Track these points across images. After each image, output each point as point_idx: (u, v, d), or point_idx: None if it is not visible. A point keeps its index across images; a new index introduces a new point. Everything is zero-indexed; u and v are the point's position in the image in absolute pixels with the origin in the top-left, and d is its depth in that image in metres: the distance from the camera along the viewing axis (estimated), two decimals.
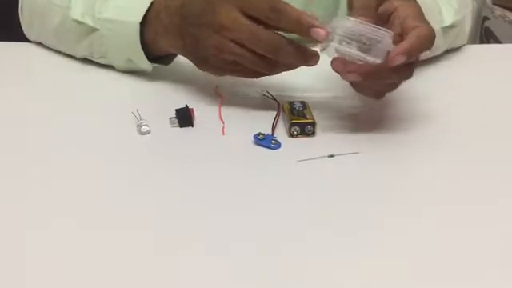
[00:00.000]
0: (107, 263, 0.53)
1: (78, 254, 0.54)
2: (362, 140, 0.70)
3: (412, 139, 0.71)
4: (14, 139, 0.69)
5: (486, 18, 1.79)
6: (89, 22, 0.79)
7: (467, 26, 0.91)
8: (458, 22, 0.86)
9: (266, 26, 0.67)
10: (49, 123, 0.72)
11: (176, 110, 0.71)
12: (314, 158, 0.66)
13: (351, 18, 0.67)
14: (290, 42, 0.68)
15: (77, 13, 0.80)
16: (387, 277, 0.53)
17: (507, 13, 1.74)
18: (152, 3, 0.75)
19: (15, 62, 0.87)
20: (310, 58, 0.69)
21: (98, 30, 0.78)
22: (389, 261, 0.54)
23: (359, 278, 0.52)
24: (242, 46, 0.68)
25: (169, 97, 0.75)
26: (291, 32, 0.68)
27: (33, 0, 0.86)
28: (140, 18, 0.75)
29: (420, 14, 0.70)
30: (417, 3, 0.71)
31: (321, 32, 0.66)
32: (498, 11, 1.76)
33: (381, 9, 0.70)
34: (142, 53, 0.77)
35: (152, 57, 0.78)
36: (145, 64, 0.78)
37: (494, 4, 1.78)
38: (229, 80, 0.72)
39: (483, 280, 0.53)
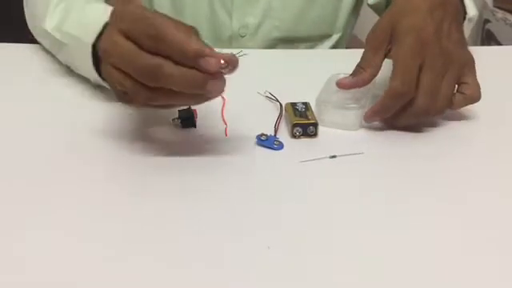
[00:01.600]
0: (107, 262, 0.53)
1: (77, 252, 0.54)
2: (364, 141, 0.70)
3: (413, 140, 0.71)
4: (13, 139, 0.70)
5: (487, 21, 1.79)
6: (57, 35, 0.78)
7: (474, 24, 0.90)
8: (475, 16, 0.83)
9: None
10: (49, 123, 0.73)
11: (179, 110, 0.71)
12: (317, 159, 0.67)
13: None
14: (176, 66, 0.58)
15: (50, 24, 0.79)
16: (388, 277, 0.53)
17: (508, 15, 1.75)
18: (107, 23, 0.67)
19: (14, 63, 0.87)
20: (203, 66, 0.57)
21: (66, 44, 0.77)
22: (389, 260, 0.54)
23: (360, 278, 0.52)
24: (121, 71, 0.60)
25: None
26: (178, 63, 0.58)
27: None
28: (92, 40, 0.70)
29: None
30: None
31: (211, 62, 0.57)
32: (500, 14, 1.77)
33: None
34: (97, 74, 0.72)
35: None
36: (103, 83, 0.72)
37: (495, 7, 1.79)
38: (231, 81, 0.72)
39: (485, 281, 0.53)
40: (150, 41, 0.58)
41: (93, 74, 0.73)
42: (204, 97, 0.60)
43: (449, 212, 0.60)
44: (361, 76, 0.71)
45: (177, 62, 0.58)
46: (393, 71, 0.69)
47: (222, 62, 0.58)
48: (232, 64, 0.59)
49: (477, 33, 1.75)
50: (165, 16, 0.59)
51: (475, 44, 0.93)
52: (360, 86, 0.72)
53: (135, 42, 0.59)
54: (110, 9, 0.64)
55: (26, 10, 0.90)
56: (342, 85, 0.72)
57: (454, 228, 0.58)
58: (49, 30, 0.79)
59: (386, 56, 0.71)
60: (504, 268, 0.54)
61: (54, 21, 0.79)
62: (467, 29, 0.81)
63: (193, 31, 0.59)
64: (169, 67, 0.58)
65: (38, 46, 0.88)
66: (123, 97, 0.62)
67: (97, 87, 0.77)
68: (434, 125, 0.74)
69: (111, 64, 0.61)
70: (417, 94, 0.69)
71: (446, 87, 0.70)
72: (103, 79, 0.70)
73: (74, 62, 0.79)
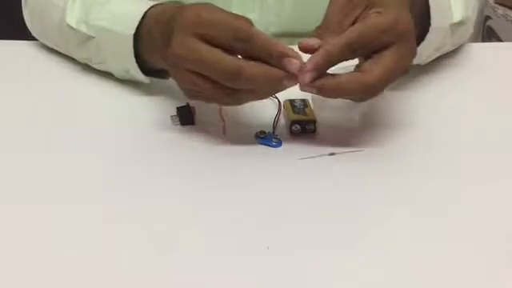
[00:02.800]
0: (106, 261, 0.53)
1: (77, 250, 0.54)
2: (363, 138, 0.70)
3: (414, 137, 0.71)
4: (14, 138, 0.70)
5: (488, 17, 1.79)
6: (83, 29, 0.78)
7: (472, 23, 0.90)
8: (467, 18, 0.84)
9: (232, 53, 0.62)
10: (50, 122, 0.72)
11: (177, 107, 0.71)
12: (315, 156, 0.66)
13: None
14: (256, 65, 0.62)
15: (72, 19, 0.79)
16: (388, 277, 0.52)
17: (509, 12, 1.75)
18: (145, 14, 0.72)
19: (16, 61, 0.87)
20: (286, 66, 0.61)
21: (93, 37, 0.77)
22: (390, 260, 0.54)
23: (360, 278, 0.52)
24: (198, 74, 0.62)
25: (170, 95, 0.75)
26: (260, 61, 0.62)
27: None
28: (133, 31, 0.72)
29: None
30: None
31: (294, 62, 0.61)
32: (500, 10, 1.76)
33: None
34: (137, 65, 0.74)
35: (149, 69, 0.75)
36: (141, 76, 0.76)
37: (496, 3, 1.78)
38: None
39: (486, 281, 0.52)
40: (239, 43, 0.61)
41: (132, 65, 0.74)
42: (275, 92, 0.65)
43: (448, 212, 0.60)
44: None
45: (256, 60, 0.61)
46: (374, 62, 0.63)
47: (302, 64, 0.61)
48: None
49: (478, 29, 1.74)
50: (233, 14, 0.62)
51: (476, 41, 0.93)
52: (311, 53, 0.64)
53: (217, 46, 0.61)
54: (143, 1, 0.71)
55: (24, 10, 0.90)
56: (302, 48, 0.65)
57: (453, 227, 0.58)
58: (72, 24, 0.79)
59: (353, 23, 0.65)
60: (506, 269, 0.54)
61: (77, 14, 0.79)
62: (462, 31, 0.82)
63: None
64: (250, 67, 0.61)
65: (38, 44, 0.88)
66: (195, 94, 0.65)
67: (93, 83, 0.77)
68: (434, 122, 0.73)
69: (187, 69, 0.62)
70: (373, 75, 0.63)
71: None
72: (143, 72, 0.74)
73: (103, 55, 0.78)
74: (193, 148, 0.68)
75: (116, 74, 0.79)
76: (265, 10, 0.95)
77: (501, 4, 1.77)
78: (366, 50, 0.63)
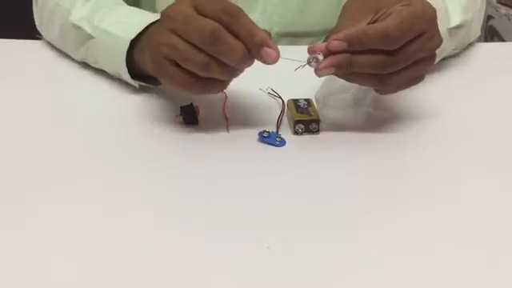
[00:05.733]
0: (106, 261, 0.53)
1: (77, 250, 0.54)
2: (366, 137, 0.70)
3: (417, 137, 0.71)
4: (14, 138, 0.70)
5: (490, 17, 1.79)
6: (86, 28, 0.79)
7: (476, 26, 0.90)
8: (466, 21, 0.84)
9: None
10: (53, 120, 0.73)
11: (181, 107, 0.71)
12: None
13: None
14: (229, 34, 0.62)
15: (76, 16, 0.80)
16: (388, 276, 0.52)
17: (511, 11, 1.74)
18: (151, 24, 0.73)
19: (24, 60, 0.87)
20: (262, 53, 0.63)
21: (93, 37, 0.78)
22: (390, 260, 0.54)
23: (359, 278, 0.52)
24: (180, 37, 0.63)
25: (174, 94, 0.75)
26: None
27: None
28: (132, 36, 0.73)
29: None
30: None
31: (272, 53, 0.63)
32: (503, 10, 1.76)
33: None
34: (126, 70, 0.75)
35: (142, 75, 0.75)
36: (130, 80, 0.76)
37: (498, 3, 1.78)
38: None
39: (483, 281, 0.52)
40: (226, 16, 0.62)
41: (123, 69, 0.75)
42: (239, 73, 0.65)
43: (448, 211, 0.60)
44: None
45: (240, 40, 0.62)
46: (390, 17, 0.63)
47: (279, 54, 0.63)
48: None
49: (480, 29, 1.74)
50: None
51: (478, 40, 0.93)
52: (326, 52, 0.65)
53: (206, 16, 0.62)
54: (150, 15, 0.74)
55: (35, 8, 0.90)
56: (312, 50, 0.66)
57: (453, 227, 0.58)
58: (75, 21, 0.80)
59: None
60: (506, 268, 0.54)
61: (84, 12, 0.80)
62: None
63: None
64: (228, 36, 0.62)
65: (47, 42, 0.88)
66: (168, 70, 0.64)
67: (97, 82, 0.77)
68: (436, 121, 0.73)
69: (171, 29, 0.63)
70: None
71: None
72: (131, 76, 0.75)
73: (99, 56, 0.79)
74: (196, 147, 0.68)
75: (111, 74, 0.80)
76: (269, 10, 0.95)
77: (503, 3, 1.77)
78: (401, 41, 0.63)
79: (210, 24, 0.62)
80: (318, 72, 0.65)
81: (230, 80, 0.66)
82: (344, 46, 0.63)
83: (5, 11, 1.73)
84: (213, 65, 0.62)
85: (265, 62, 0.63)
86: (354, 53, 0.64)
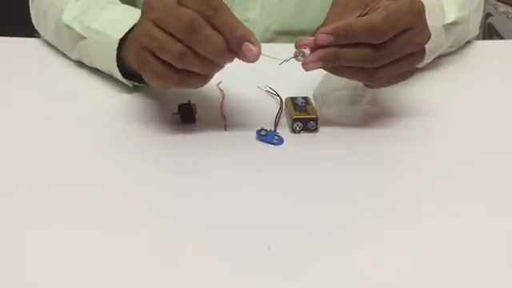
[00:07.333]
0: (106, 261, 0.53)
1: (76, 249, 0.54)
2: (365, 135, 0.70)
3: (415, 135, 0.71)
4: (13, 136, 0.70)
5: (489, 15, 1.79)
6: (77, 28, 0.79)
7: (473, 23, 0.90)
8: (462, 18, 0.84)
9: None
10: (49, 119, 0.72)
11: (178, 105, 0.71)
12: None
13: None
14: (209, 26, 0.61)
15: (68, 16, 0.80)
16: (388, 276, 0.52)
17: (510, 9, 1.74)
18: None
19: (23, 58, 0.87)
20: (243, 49, 0.61)
21: (85, 38, 0.78)
22: (390, 260, 0.54)
23: (359, 278, 0.52)
24: (160, 28, 0.62)
25: (171, 92, 0.75)
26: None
27: None
28: (122, 34, 0.73)
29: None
30: None
31: (253, 49, 0.61)
32: (502, 7, 1.76)
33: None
34: (117, 68, 0.74)
35: (134, 74, 0.74)
36: (123, 80, 0.76)
37: (497, 0, 1.78)
38: (231, 75, 0.72)
39: (484, 279, 0.52)
40: (208, 9, 0.60)
41: (114, 68, 0.75)
42: (218, 68, 0.63)
43: (447, 207, 0.60)
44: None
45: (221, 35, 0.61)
46: (376, 11, 0.64)
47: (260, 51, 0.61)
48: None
49: (478, 28, 1.74)
50: None
51: (477, 38, 0.93)
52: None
53: (188, 8, 0.61)
54: (137, 11, 0.69)
55: (31, 6, 0.90)
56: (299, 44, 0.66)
57: (455, 225, 0.58)
58: (67, 22, 0.80)
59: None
60: (506, 267, 0.54)
61: (75, 12, 0.80)
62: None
63: None
64: (208, 27, 0.60)
65: (39, 40, 0.88)
66: (146, 61, 0.63)
67: (95, 80, 0.77)
68: (435, 119, 0.73)
69: (152, 19, 0.62)
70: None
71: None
72: (123, 75, 0.74)
73: (93, 56, 0.79)
74: (194, 146, 0.68)
75: (106, 72, 0.79)
76: (267, 8, 0.95)
77: (502, 1, 1.77)
78: (387, 34, 0.63)
79: (189, 14, 0.60)
80: (306, 66, 0.65)
81: (209, 74, 0.64)
82: (331, 39, 0.64)
83: (5, 11, 1.73)
84: (189, 55, 0.61)
85: (246, 58, 0.62)
86: (341, 46, 0.64)
